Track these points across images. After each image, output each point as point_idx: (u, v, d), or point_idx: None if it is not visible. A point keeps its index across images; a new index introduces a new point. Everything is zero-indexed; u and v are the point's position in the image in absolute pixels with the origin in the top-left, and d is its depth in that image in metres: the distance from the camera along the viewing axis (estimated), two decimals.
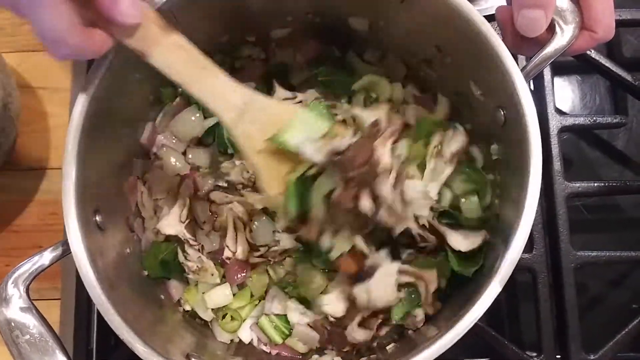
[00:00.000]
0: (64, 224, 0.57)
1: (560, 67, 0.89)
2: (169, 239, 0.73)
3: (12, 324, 0.57)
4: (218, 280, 0.72)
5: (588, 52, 0.82)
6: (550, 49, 0.56)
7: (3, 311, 0.57)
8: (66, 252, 0.59)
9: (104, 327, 0.75)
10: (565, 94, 0.91)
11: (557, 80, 0.90)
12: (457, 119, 0.70)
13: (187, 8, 0.61)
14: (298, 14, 0.71)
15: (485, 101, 0.63)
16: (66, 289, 0.82)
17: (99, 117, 0.60)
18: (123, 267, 0.67)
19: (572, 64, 0.87)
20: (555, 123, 0.80)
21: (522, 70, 0.56)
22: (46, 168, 0.89)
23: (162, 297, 0.73)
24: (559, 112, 0.82)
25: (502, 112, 0.60)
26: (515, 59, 0.56)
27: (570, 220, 0.78)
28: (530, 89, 0.77)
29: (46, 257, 0.59)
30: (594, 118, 0.81)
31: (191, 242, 0.72)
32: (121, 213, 0.71)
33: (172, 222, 0.72)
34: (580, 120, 0.81)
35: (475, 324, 0.53)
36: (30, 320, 0.57)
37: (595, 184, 0.79)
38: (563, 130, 0.81)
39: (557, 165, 0.79)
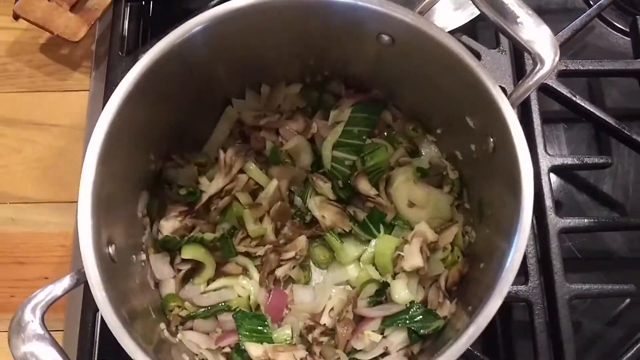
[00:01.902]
0: (81, 255, 0.60)
1: (548, 117, 0.94)
2: None
3: (29, 351, 0.58)
4: None
5: (574, 99, 0.88)
6: (533, 78, 0.61)
7: (21, 338, 0.58)
8: (79, 282, 0.61)
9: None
10: (553, 140, 0.96)
11: (546, 128, 0.96)
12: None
13: None
14: None
15: (477, 129, 0.68)
16: (69, 320, 0.84)
17: (113, 149, 0.64)
18: (133, 297, 0.69)
19: (559, 114, 0.93)
20: (545, 163, 0.85)
21: (508, 98, 0.62)
22: (55, 202, 0.92)
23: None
24: (549, 154, 0.87)
25: (492, 140, 0.65)
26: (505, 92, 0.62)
27: (563, 259, 0.81)
28: None
29: (59, 287, 0.61)
30: (582, 158, 0.86)
31: None
32: (131, 246, 0.73)
33: None
34: (568, 161, 0.86)
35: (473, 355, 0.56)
36: (45, 348, 0.58)
37: (586, 220, 0.83)
38: (552, 169, 0.85)
39: (548, 201, 0.83)
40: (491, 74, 0.86)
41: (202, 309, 0.77)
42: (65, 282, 0.61)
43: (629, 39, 0.97)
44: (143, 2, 1.02)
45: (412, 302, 0.75)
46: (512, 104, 0.62)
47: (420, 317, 0.73)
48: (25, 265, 0.90)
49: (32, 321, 0.58)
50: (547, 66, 0.60)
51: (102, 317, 0.76)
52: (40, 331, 0.58)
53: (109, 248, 0.64)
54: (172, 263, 0.78)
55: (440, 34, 0.65)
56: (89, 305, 0.79)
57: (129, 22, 0.97)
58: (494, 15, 0.61)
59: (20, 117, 0.97)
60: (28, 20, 0.93)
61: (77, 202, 0.89)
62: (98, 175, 0.62)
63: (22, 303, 0.59)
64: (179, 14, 0.90)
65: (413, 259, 0.75)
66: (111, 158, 0.64)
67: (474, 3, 0.62)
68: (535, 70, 0.61)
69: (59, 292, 0.61)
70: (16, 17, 0.94)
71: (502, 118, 0.61)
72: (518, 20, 0.61)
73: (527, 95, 0.62)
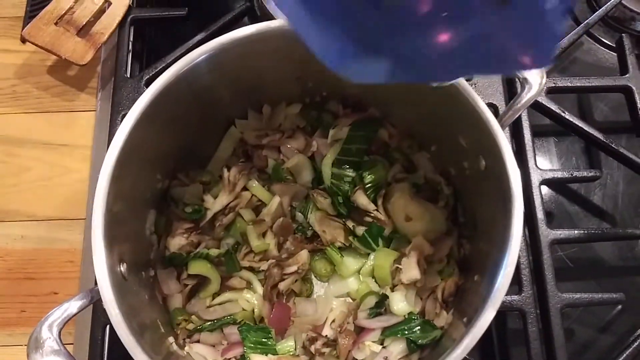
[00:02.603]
0: (95, 275, 0.62)
1: (539, 130, 0.97)
2: None
3: None
4: None
5: (563, 115, 0.91)
6: (522, 100, 0.65)
7: (39, 353, 0.60)
8: (93, 299, 0.64)
9: None
10: (544, 154, 1.00)
11: (537, 142, 0.99)
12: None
13: None
14: None
15: (469, 148, 0.72)
16: (79, 333, 0.86)
17: (123, 171, 0.67)
18: (142, 312, 0.72)
19: (549, 127, 0.97)
20: (536, 176, 0.88)
21: (498, 119, 0.65)
22: (64, 219, 0.95)
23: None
24: (539, 168, 0.90)
25: (483, 159, 0.68)
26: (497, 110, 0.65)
27: (555, 269, 0.84)
28: (513, 148, 0.86)
29: (74, 305, 0.63)
30: (571, 172, 0.90)
31: None
32: (140, 263, 0.76)
33: None
34: (558, 174, 0.89)
35: None
36: None
37: (576, 231, 0.86)
38: (543, 182, 0.88)
39: (539, 214, 0.86)
40: (482, 92, 0.91)
41: (209, 322, 0.80)
42: (80, 300, 0.64)
43: (616, 54, 1.01)
44: (147, 26, 1.05)
45: (410, 313, 0.78)
46: (502, 125, 0.65)
47: (419, 327, 0.76)
48: (35, 281, 0.92)
49: (49, 338, 0.60)
50: (535, 89, 0.64)
51: (110, 331, 0.81)
52: (57, 347, 0.60)
53: (121, 266, 0.67)
54: (178, 278, 0.81)
55: None
56: (99, 321, 0.82)
57: (133, 45, 1.00)
58: None
59: (29, 137, 1.00)
60: (36, 45, 0.96)
61: (84, 219, 0.93)
62: (109, 197, 0.65)
63: (34, 319, 0.62)
64: (180, 37, 0.95)
65: (411, 271, 0.78)
66: (121, 179, 0.66)
67: None
68: (524, 93, 0.64)
69: (74, 309, 0.63)
70: (24, 41, 0.97)
71: (493, 139, 0.64)
72: None
73: (516, 116, 0.66)
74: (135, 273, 0.72)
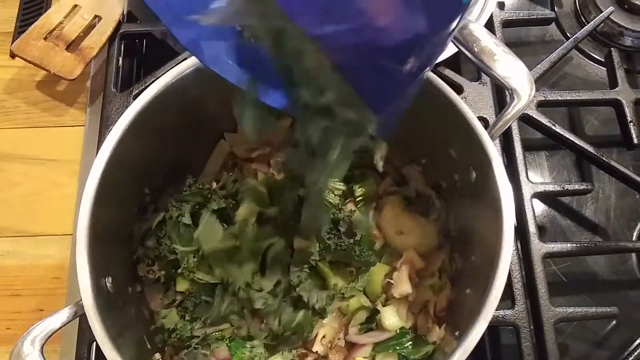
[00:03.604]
0: (80, 289, 0.61)
1: (530, 144, 0.97)
2: None
3: None
4: None
5: (554, 128, 0.91)
6: (510, 112, 0.64)
7: None
8: (77, 314, 0.63)
9: None
10: (536, 167, 1.00)
11: (528, 155, 0.99)
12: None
13: None
14: None
15: (459, 160, 0.71)
16: (65, 350, 0.84)
17: (109, 185, 0.66)
18: (128, 328, 0.70)
19: (540, 141, 0.97)
20: (527, 190, 0.88)
21: (488, 130, 0.65)
22: (53, 235, 0.94)
23: None
24: (531, 181, 0.90)
25: (473, 170, 0.68)
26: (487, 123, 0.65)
27: (548, 283, 0.84)
28: (504, 162, 0.85)
29: (57, 320, 0.62)
30: (563, 185, 0.89)
31: None
32: (127, 277, 0.75)
33: None
34: (550, 188, 0.89)
35: None
36: None
37: (569, 245, 0.85)
38: (535, 196, 0.88)
39: (531, 227, 0.86)
40: (473, 106, 0.91)
41: (196, 339, 0.78)
42: (63, 314, 0.62)
43: (605, 68, 1.02)
44: (137, 41, 1.05)
45: (402, 328, 0.77)
46: (492, 137, 0.65)
47: (410, 343, 0.75)
48: (21, 298, 0.91)
49: (31, 353, 0.59)
50: (524, 101, 0.63)
51: (96, 348, 0.79)
52: None
53: (106, 281, 0.66)
54: (166, 293, 0.80)
55: None
56: (84, 337, 0.80)
57: (123, 59, 1.00)
58: (471, 53, 0.65)
59: (17, 152, 0.99)
60: (25, 60, 0.95)
61: (72, 234, 0.92)
62: (95, 211, 0.64)
63: (18, 336, 0.60)
64: (170, 52, 0.94)
65: (402, 285, 0.77)
66: (107, 193, 0.66)
67: (452, 42, 0.65)
68: (513, 104, 0.64)
69: (57, 324, 0.62)
70: (13, 56, 0.96)
71: (483, 150, 0.64)
72: (495, 57, 0.64)
73: (505, 128, 0.65)
74: (121, 288, 0.71)
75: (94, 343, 0.79)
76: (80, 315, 0.62)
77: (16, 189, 0.97)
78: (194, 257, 0.75)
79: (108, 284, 0.66)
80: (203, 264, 0.75)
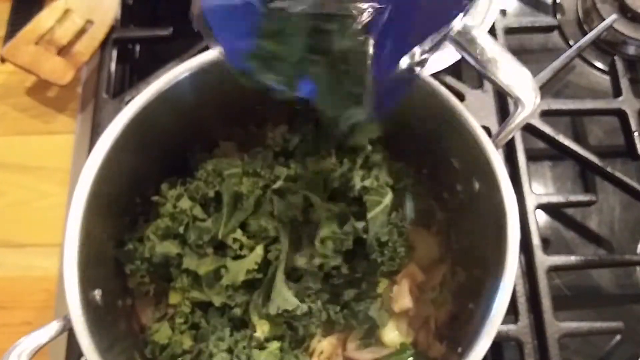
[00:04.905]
0: (67, 302, 0.59)
1: (534, 154, 0.95)
2: None
3: None
4: None
5: (557, 138, 0.90)
6: (515, 121, 0.63)
7: None
8: (65, 328, 0.60)
9: None
10: (539, 178, 0.98)
11: (532, 166, 0.97)
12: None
13: None
14: None
15: (462, 170, 0.70)
16: None
17: (99, 195, 0.64)
18: (118, 342, 0.68)
19: (544, 151, 0.95)
20: (531, 201, 0.86)
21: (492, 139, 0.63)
22: (41, 245, 0.91)
23: None
24: (534, 192, 0.88)
25: (476, 180, 0.66)
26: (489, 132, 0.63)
27: (552, 297, 0.82)
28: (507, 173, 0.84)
29: (45, 334, 0.60)
30: (567, 196, 0.87)
31: None
32: (117, 290, 0.73)
33: None
34: (554, 199, 0.87)
35: None
36: None
37: (573, 258, 0.83)
38: (539, 207, 0.86)
39: (535, 240, 0.84)
40: (475, 114, 0.89)
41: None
42: (51, 329, 0.60)
43: (609, 77, 1.00)
44: (130, 46, 1.03)
45: (402, 344, 0.74)
46: (495, 146, 0.63)
47: (411, 359, 0.72)
48: (8, 310, 0.88)
49: None
50: (528, 109, 0.61)
51: None
52: None
53: (95, 294, 0.63)
54: (158, 306, 0.77)
55: (424, 78, 0.66)
56: (73, 352, 0.78)
57: (115, 65, 0.97)
58: (475, 60, 0.63)
59: (5, 159, 0.97)
60: (15, 65, 0.93)
61: (61, 245, 0.89)
62: (84, 221, 0.62)
63: (5, 351, 0.58)
64: (164, 57, 0.92)
65: (402, 299, 0.75)
66: (97, 203, 0.64)
67: (455, 49, 0.63)
68: (517, 113, 0.62)
69: (45, 339, 0.60)
70: (3, 60, 0.94)
71: (486, 159, 0.62)
72: (498, 65, 0.62)
73: (510, 137, 0.64)
74: (111, 301, 0.69)
75: (83, 358, 0.76)
76: (69, 329, 0.60)
77: (3, 199, 0.94)
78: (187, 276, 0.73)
79: (97, 297, 0.64)
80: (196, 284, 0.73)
